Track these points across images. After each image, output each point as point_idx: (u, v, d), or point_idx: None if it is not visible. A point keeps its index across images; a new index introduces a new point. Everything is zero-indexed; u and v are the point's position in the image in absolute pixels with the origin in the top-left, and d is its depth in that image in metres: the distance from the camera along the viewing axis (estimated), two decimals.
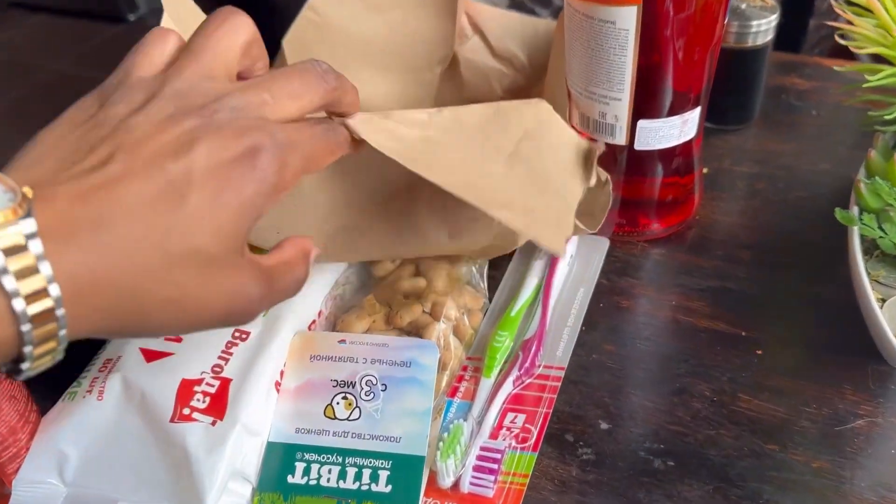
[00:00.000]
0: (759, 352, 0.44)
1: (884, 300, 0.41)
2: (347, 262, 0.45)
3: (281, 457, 0.37)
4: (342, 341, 0.39)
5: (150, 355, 0.39)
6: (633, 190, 0.50)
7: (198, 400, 0.36)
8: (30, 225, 0.22)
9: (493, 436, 0.39)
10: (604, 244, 0.50)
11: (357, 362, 0.39)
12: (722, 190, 0.56)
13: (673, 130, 0.46)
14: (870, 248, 0.44)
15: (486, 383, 0.41)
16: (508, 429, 0.39)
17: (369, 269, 0.45)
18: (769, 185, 0.56)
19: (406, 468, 0.36)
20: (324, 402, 0.38)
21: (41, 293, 0.22)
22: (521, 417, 0.40)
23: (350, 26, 0.57)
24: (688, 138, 0.48)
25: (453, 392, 0.42)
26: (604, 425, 0.40)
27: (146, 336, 0.26)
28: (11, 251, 0.22)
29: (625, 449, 0.39)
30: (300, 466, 0.37)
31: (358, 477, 0.36)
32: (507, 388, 0.41)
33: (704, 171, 0.56)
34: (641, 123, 0.46)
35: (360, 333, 0.41)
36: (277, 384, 0.39)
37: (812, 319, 0.45)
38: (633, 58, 0.43)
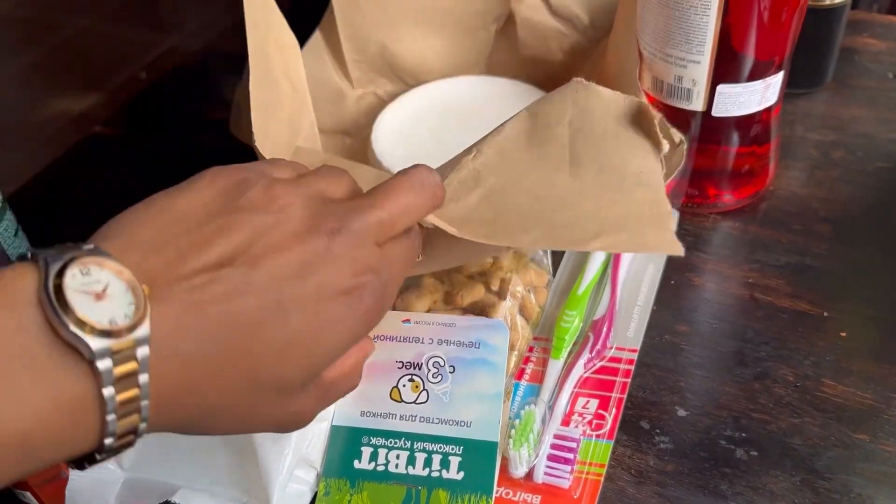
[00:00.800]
0: (844, 334, 0.41)
1: None
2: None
3: (346, 441, 0.35)
4: (406, 321, 0.38)
5: None
6: (705, 159, 0.47)
7: None
8: (143, 330, 0.22)
9: (566, 422, 0.37)
10: (674, 217, 0.47)
11: (423, 343, 0.37)
12: (795, 159, 0.53)
13: (754, 96, 0.43)
14: None
15: (556, 365, 0.39)
16: (581, 415, 0.37)
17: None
18: (847, 154, 0.53)
19: (478, 454, 0.34)
20: (389, 384, 0.36)
21: (132, 404, 0.22)
22: (594, 402, 0.38)
23: None
24: (769, 104, 0.45)
25: (520, 374, 0.40)
26: (681, 412, 0.38)
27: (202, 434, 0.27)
28: (120, 358, 0.22)
29: (704, 438, 0.37)
30: (367, 451, 0.35)
31: (428, 463, 0.34)
32: (578, 371, 0.39)
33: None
34: (721, 88, 0.43)
35: (428, 313, 0.39)
36: None
37: None
38: (716, 17, 0.40)
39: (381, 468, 0.35)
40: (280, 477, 0.33)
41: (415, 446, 0.35)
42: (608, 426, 0.37)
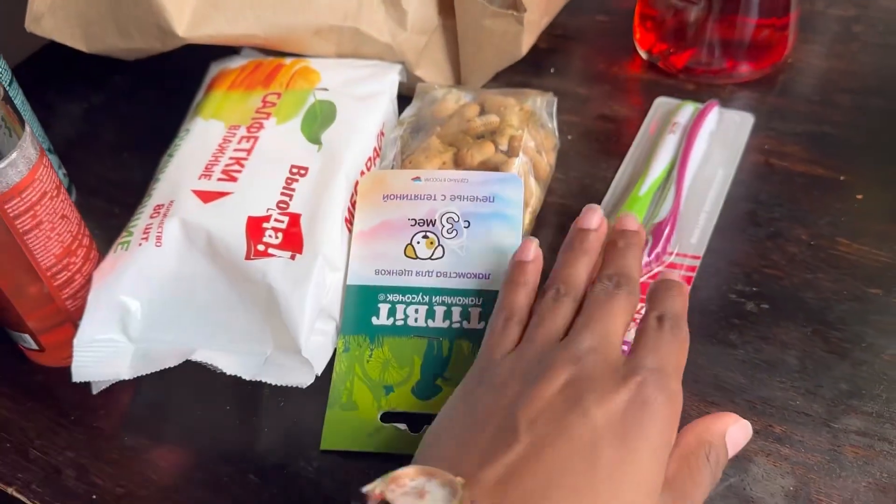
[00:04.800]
0: (860, 196, 0.41)
1: None
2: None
3: (363, 299, 0.36)
4: (416, 178, 0.37)
5: (208, 196, 0.36)
6: (724, 29, 0.46)
7: (270, 236, 0.35)
8: None
9: None
10: (748, 121, 0.45)
11: (435, 200, 0.37)
12: (815, 33, 0.51)
13: None
14: None
15: None
16: (634, 320, 0.36)
17: (430, 109, 0.42)
18: (868, 28, 0.51)
19: None
20: (403, 241, 0.36)
21: None
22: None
23: None
24: None
25: None
26: (698, 269, 0.38)
27: None
28: None
29: (714, 293, 0.37)
30: (384, 308, 0.36)
31: (448, 315, 0.35)
32: None
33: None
34: None
35: (434, 170, 0.38)
36: (347, 221, 0.37)
37: None
38: None
39: (399, 323, 0.35)
40: (304, 323, 0.33)
41: (433, 300, 0.35)
42: None
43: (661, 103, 0.47)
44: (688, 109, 0.45)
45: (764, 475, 0.31)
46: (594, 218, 0.35)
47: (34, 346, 0.36)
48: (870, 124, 0.45)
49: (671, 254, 0.39)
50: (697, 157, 0.43)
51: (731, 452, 0.29)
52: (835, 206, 0.41)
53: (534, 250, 0.34)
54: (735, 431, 0.29)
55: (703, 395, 0.34)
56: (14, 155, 0.31)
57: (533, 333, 0.31)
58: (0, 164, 0.30)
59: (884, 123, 0.45)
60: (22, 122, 0.32)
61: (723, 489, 0.31)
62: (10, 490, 0.33)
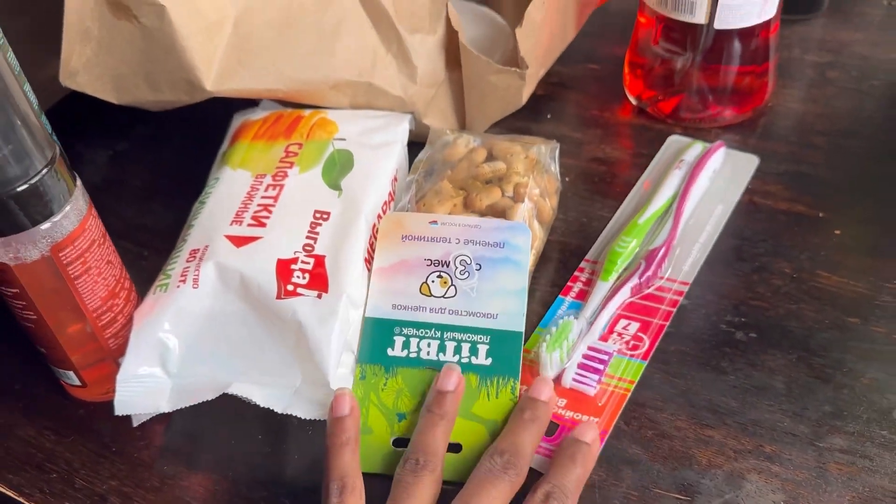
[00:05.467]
0: (838, 231, 0.44)
1: None
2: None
3: (380, 331, 0.39)
4: (433, 222, 0.41)
5: (240, 241, 0.39)
6: (709, 78, 0.50)
7: (297, 277, 0.38)
8: None
9: (604, 339, 0.39)
10: (753, 162, 0.48)
11: (450, 242, 0.40)
12: (793, 78, 0.55)
13: (754, 8, 0.46)
14: None
15: (603, 286, 0.41)
16: (620, 334, 0.39)
17: (442, 153, 0.46)
18: (842, 74, 0.56)
19: (505, 343, 0.38)
20: (419, 280, 0.40)
21: None
22: (635, 325, 0.39)
23: None
24: (768, 17, 0.47)
25: (566, 290, 0.42)
26: (683, 302, 0.41)
27: None
28: None
29: (705, 323, 0.41)
30: (399, 340, 0.39)
31: (458, 350, 0.38)
32: (625, 294, 0.40)
33: None
34: (722, 0, 0.45)
35: (450, 215, 0.42)
36: (367, 261, 0.40)
37: (891, 199, 0.46)
38: None
39: (413, 355, 0.38)
40: (332, 357, 0.36)
41: (445, 336, 0.38)
42: (644, 348, 0.39)
43: (673, 141, 0.51)
44: (696, 148, 0.48)
45: (756, 491, 0.34)
46: (451, 379, 0.36)
47: (77, 382, 0.39)
48: (845, 164, 0.48)
49: (661, 278, 0.42)
50: (699, 192, 0.46)
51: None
52: (814, 241, 0.44)
53: (349, 403, 0.35)
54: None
55: (698, 418, 0.37)
56: (68, 207, 0.34)
57: None
58: (56, 216, 0.33)
59: (858, 163, 0.48)
60: (73, 177, 0.35)
61: None
62: None
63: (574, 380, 0.38)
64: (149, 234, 0.49)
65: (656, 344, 0.39)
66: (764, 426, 0.36)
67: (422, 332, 0.39)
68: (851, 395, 0.37)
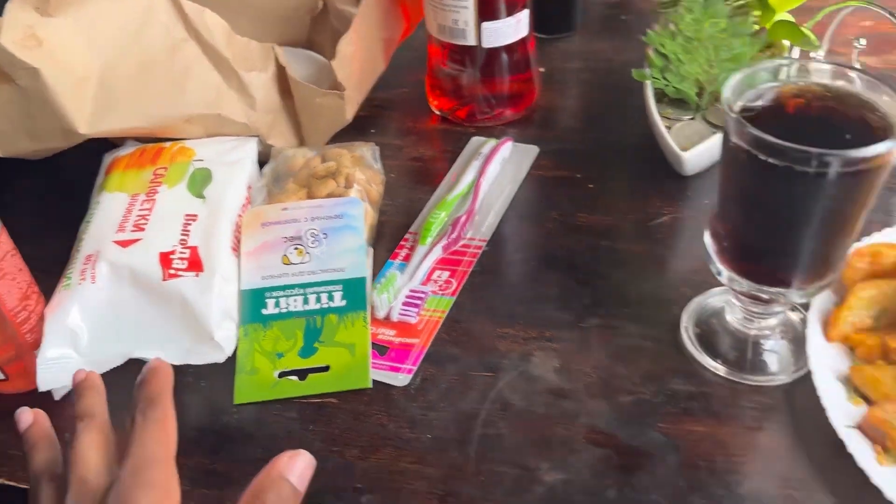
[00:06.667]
0: (591, 186, 0.60)
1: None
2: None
3: (254, 298, 0.49)
4: (285, 208, 0.52)
5: (126, 243, 0.49)
6: (488, 87, 0.65)
7: (177, 263, 0.48)
8: None
9: (424, 284, 0.51)
10: (533, 152, 0.63)
11: (300, 221, 0.51)
12: (557, 83, 0.72)
13: (509, 28, 0.61)
14: (660, 96, 0.60)
15: (421, 249, 0.53)
16: (435, 281, 0.52)
17: (286, 165, 0.57)
18: (593, 76, 0.72)
19: (353, 287, 0.49)
20: (280, 253, 0.51)
21: None
22: (447, 273, 0.52)
23: None
24: (523, 34, 0.63)
25: (395, 256, 0.54)
26: (484, 247, 0.55)
27: None
28: None
29: (501, 261, 0.54)
30: (271, 301, 0.49)
31: (318, 300, 0.49)
32: (437, 252, 0.53)
33: (541, 70, 0.71)
34: (485, 25, 0.60)
35: (298, 201, 0.53)
36: (234, 249, 0.51)
37: (628, 158, 0.62)
38: None
39: (284, 311, 0.49)
40: (213, 319, 0.46)
41: (307, 291, 0.49)
42: (453, 287, 0.52)
43: (473, 140, 0.65)
44: (490, 144, 0.62)
45: (540, 363, 0.47)
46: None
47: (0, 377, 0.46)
48: (596, 138, 0.64)
49: (466, 237, 0.55)
50: (492, 175, 0.60)
51: (299, 482, 0.31)
52: (576, 194, 0.59)
53: (27, 417, 0.37)
54: (295, 464, 0.31)
55: (498, 323, 0.50)
56: None
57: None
58: None
59: (604, 136, 0.64)
60: None
61: (515, 375, 0.46)
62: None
63: (400, 314, 0.50)
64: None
65: (462, 284, 0.52)
66: (544, 320, 0.50)
67: (287, 292, 0.50)
68: (602, 291, 0.51)
